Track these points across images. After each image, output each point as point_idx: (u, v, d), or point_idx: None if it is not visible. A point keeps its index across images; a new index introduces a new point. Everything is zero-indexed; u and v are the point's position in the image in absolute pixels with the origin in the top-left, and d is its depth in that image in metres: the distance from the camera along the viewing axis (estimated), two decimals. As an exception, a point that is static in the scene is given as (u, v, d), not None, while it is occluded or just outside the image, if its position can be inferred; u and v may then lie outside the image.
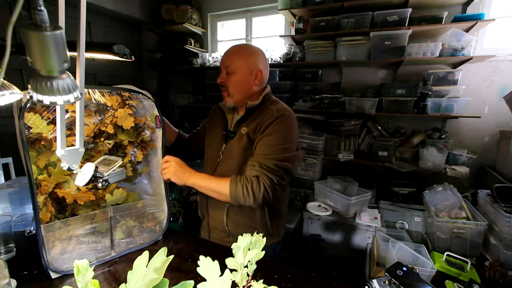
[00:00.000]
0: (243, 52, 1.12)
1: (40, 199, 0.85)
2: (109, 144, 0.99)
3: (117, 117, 0.99)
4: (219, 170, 1.17)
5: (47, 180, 0.87)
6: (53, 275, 0.87)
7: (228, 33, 3.46)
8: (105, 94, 0.97)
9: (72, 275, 0.81)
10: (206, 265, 0.56)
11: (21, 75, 2.38)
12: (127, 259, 1.00)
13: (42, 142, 0.86)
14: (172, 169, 1.06)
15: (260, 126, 1.08)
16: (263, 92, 1.16)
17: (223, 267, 0.55)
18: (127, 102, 1.03)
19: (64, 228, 0.90)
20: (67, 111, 0.84)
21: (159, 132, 1.13)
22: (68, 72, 0.50)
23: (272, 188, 1.02)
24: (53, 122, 0.85)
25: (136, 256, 0.53)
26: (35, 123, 0.82)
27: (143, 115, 1.07)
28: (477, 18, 2.01)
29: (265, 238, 0.63)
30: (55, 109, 0.82)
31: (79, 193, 0.93)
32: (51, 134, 0.85)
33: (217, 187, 1.06)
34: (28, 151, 0.81)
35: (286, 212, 1.32)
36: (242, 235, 0.61)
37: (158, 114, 1.10)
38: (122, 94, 1.02)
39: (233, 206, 1.14)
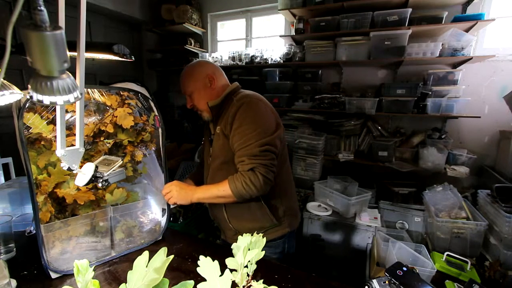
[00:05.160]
0: (188, 73, 1.19)
1: (40, 199, 0.85)
2: (109, 143, 0.99)
3: (116, 116, 0.99)
4: (210, 172, 1.23)
5: (47, 180, 0.87)
6: (53, 275, 0.87)
7: (228, 33, 3.46)
8: (104, 94, 0.97)
9: (72, 275, 0.81)
10: (206, 265, 0.56)
11: (21, 75, 2.38)
12: (127, 259, 1.00)
13: (42, 142, 0.86)
14: (175, 193, 1.12)
15: (227, 119, 1.11)
16: (226, 90, 1.18)
17: (223, 267, 0.55)
18: (126, 101, 1.03)
19: (64, 228, 0.90)
20: (67, 111, 0.84)
21: (159, 132, 1.12)
22: (68, 72, 0.50)
23: (269, 171, 1.05)
24: (52, 122, 0.85)
25: (136, 256, 0.53)
26: (34, 123, 0.82)
27: (143, 115, 1.07)
28: (477, 18, 2.01)
29: (265, 238, 0.63)
30: (55, 109, 0.82)
31: (79, 193, 0.93)
32: (50, 134, 0.85)
33: (219, 192, 1.09)
34: (27, 151, 0.81)
35: (293, 199, 1.31)
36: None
37: (157, 114, 1.10)
38: (121, 93, 1.02)
39: None
